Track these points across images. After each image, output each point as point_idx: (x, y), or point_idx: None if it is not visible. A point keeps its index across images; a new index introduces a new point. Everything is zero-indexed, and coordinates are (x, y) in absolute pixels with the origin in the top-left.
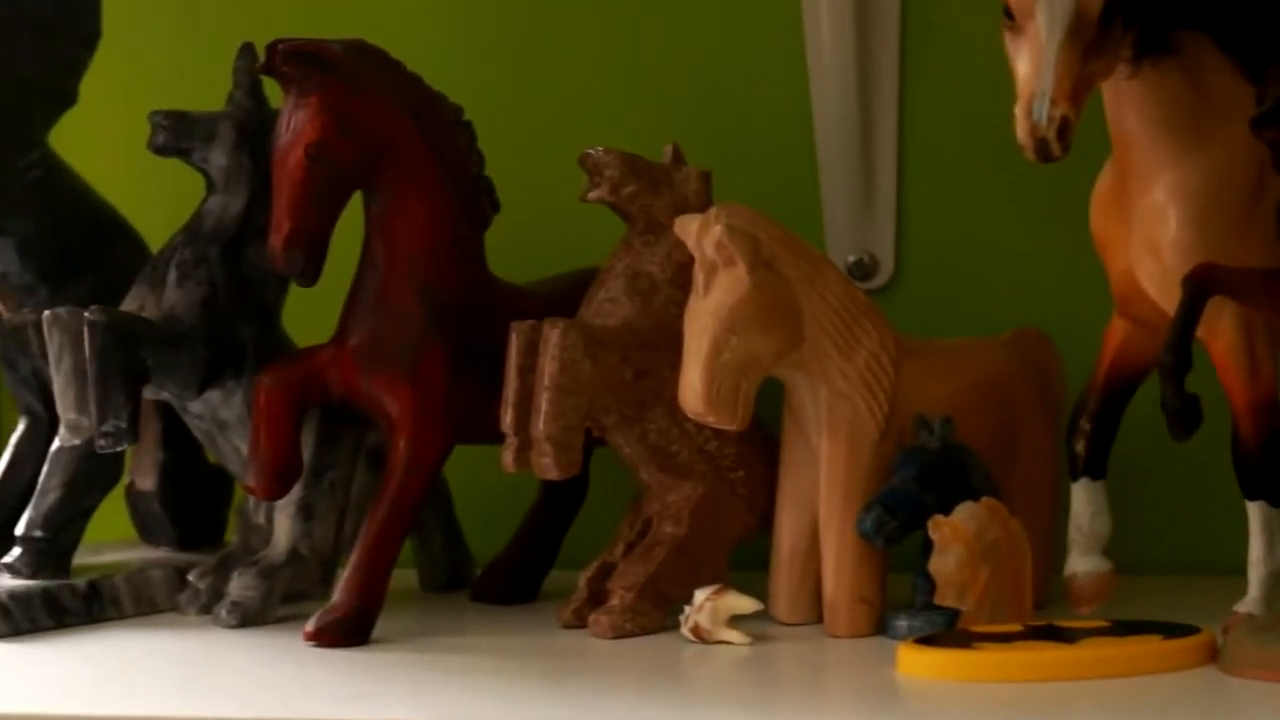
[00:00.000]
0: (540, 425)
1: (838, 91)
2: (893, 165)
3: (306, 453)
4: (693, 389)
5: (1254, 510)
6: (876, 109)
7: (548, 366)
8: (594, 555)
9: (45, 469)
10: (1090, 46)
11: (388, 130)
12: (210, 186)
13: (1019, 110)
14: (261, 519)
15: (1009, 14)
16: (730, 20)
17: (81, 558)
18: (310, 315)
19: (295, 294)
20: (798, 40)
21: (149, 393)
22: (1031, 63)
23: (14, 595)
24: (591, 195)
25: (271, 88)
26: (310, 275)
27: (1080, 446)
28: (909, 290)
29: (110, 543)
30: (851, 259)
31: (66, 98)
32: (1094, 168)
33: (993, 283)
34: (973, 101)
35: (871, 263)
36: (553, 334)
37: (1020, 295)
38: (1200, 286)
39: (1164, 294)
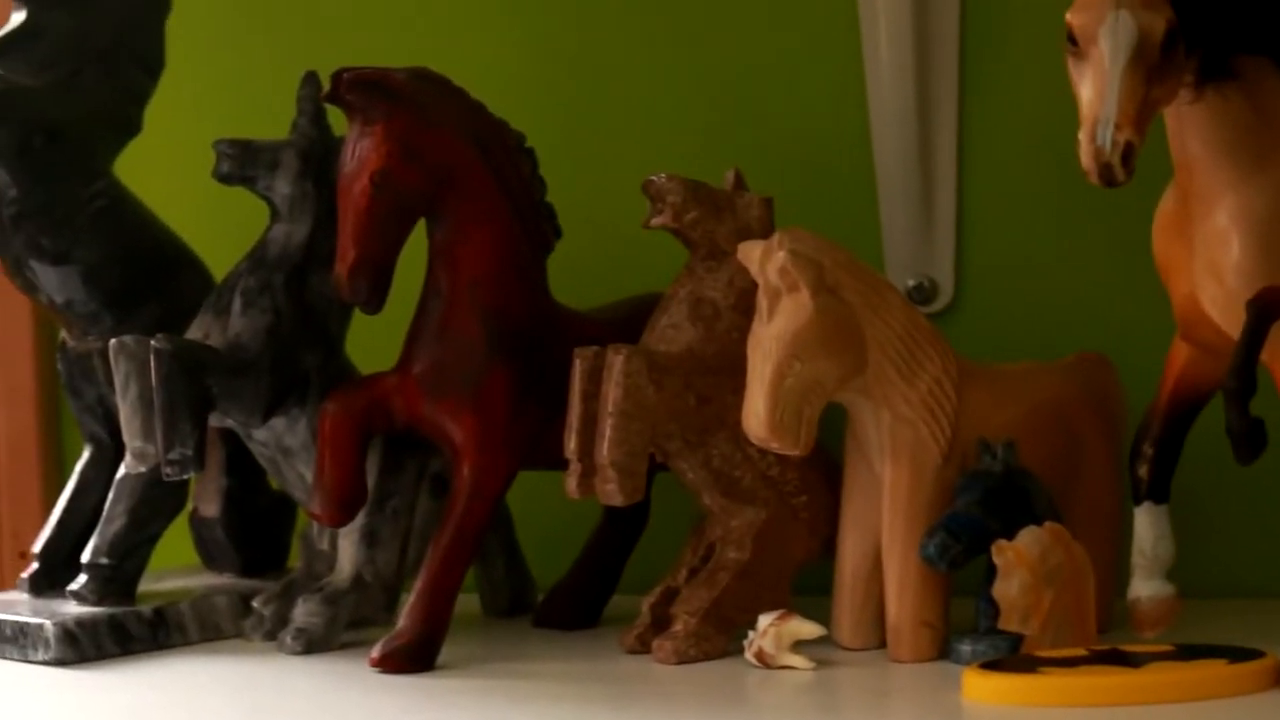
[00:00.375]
0: (604, 451)
1: (897, 115)
2: (952, 189)
3: (370, 479)
4: (756, 415)
5: None
6: (936, 132)
7: (612, 392)
8: (656, 580)
9: (111, 496)
10: (1153, 72)
11: (452, 158)
12: (274, 214)
13: (1083, 136)
14: (325, 545)
15: (1072, 40)
16: (789, 45)
17: (146, 584)
18: (373, 343)
19: (358, 321)
20: (857, 64)
21: (213, 420)
22: (1095, 88)
23: (81, 623)
24: (654, 222)
25: (335, 115)
26: (375, 303)
27: (1143, 470)
28: (968, 314)
29: (174, 569)
30: (911, 283)
31: (131, 126)
32: (1155, 191)
33: (1053, 307)
34: (1032, 124)
35: (931, 287)
36: (616, 360)
37: (1081, 319)
38: (1264, 310)
39: (1227, 318)
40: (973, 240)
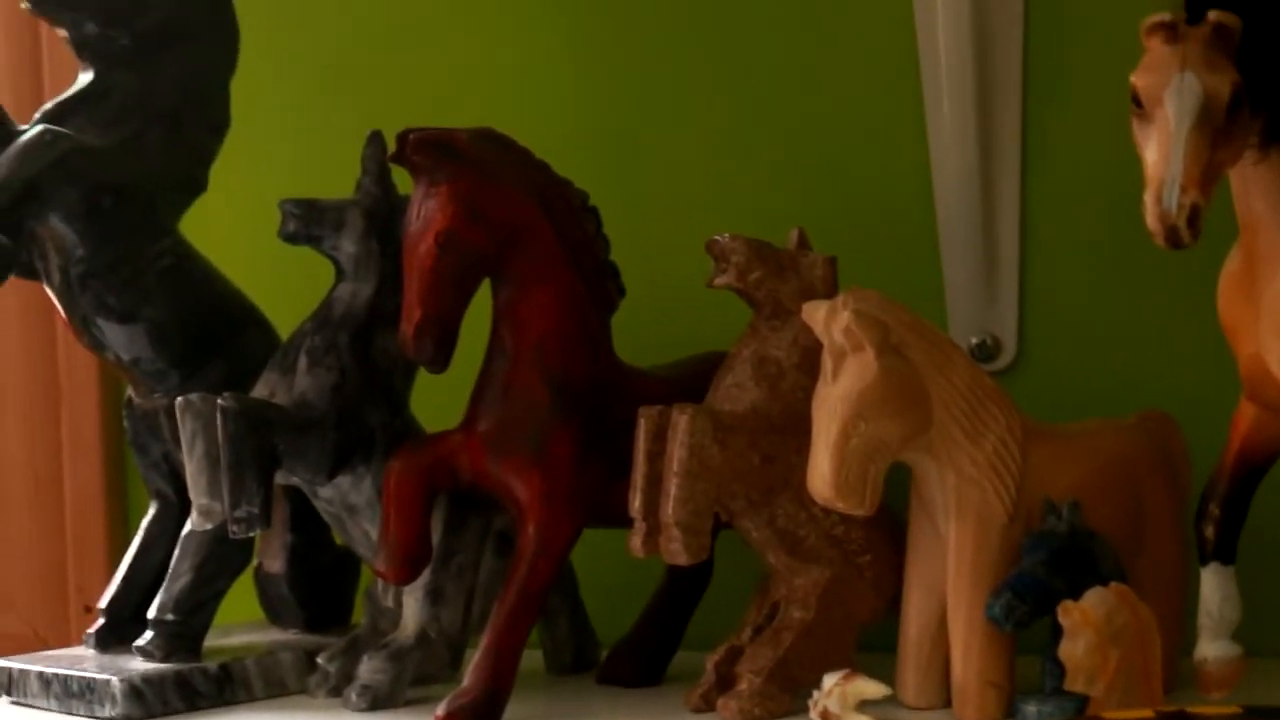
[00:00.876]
0: (669, 510)
1: (960, 174)
2: (1015, 247)
3: (435, 537)
4: (821, 475)
5: None
6: (998, 191)
7: (677, 452)
8: (719, 638)
9: (176, 552)
10: (1219, 134)
11: (516, 218)
12: (340, 273)
13: (1149, 198)
14: (390, 602)
15: (1137, 102)
16: (851, 104)
17: (211, 639)
18: (438, 401)
19: (423, 379)
20: (919, 124)
21: (279, 477)
22: (1161, 150)
23: (147, 678)
24: (718, 281)
25: (399, 174)
26: (440, 362)
27: (1209, 531)
28: (1031, 373)
29: (240, 625)
30: (974, 341)
31: (196, 186)
32: (1220, 251)
33: (1117, 366)
34: (1095, 183)
35: (994, 345)
36: (681, 420)
37: (1145, 378)
38: None
39: None
40: (1036, 298)
